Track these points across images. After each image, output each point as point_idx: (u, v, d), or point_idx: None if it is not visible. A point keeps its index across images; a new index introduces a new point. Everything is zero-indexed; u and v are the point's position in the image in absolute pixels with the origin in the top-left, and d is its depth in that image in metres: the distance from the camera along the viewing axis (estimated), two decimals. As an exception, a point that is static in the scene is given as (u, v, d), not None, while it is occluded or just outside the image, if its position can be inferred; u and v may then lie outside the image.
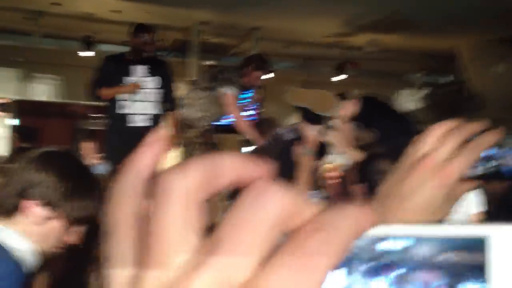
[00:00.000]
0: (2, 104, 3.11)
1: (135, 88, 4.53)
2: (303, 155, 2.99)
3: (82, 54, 5.69)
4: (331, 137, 2.68)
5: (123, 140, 4.57)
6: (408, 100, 7.37)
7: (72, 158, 1.42)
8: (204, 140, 4.44)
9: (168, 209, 0.23)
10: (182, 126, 4.64)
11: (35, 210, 1.26)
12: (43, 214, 1.27)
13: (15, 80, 6.81)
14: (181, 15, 5.09)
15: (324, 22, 5.24)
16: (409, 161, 0.63)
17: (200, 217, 0.23)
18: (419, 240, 0.24)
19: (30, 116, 7.78)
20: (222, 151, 0.24)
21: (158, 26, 5.59)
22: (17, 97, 6.86)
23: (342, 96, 3.08)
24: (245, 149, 4.49)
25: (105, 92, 4.53)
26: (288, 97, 3.69)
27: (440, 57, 6.59)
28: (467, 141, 0.61)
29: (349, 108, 2.51)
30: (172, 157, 5.97)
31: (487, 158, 0.62)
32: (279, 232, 0.22)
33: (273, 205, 0.22)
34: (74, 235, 1.34)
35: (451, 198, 0.62)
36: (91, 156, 6.82)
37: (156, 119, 4.73)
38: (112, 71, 4.60)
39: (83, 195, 1.30)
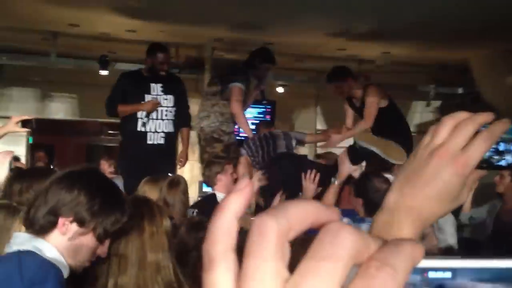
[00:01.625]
0: (28, 121, 3.20)
1: (153, 106, 4.59)
2: (333, 182, 3.20)
3: (101, 73, 5.80)
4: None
5: (138, 158, 4.64)
6: (421, 112, 7.37)
7: (98, 175, 1.52)
8: (229, 155, 4.48)
9: (264, 247, 0.28)
10: (207, 141, 4.69)
11: (68, 227, 1.35)
12: (75, 230, 1.36)
13: (33, 99, 6.94)
14: (194, 33, 5.17)
15: (336, 36, 5.29)
16: (425, 151, 0.64)
17: (287, 255, 0.28)
18: (462, 271, 0.29)
19: (46, 134, 7.90)
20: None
21: (172, 44, 5.70)
22: (35, 116, 6.96)
23: None
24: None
25: (122, 108, 4.61)
26: (357, 137, 4.01)
27: (453, 68, 6.59)
28: (479, 131, 0.63)
29: None
30: (192, 171, 6.01)
31: (499, 149, 0.65)
32: (353, 265, 0.28)
33: (348, 243, 0.27)
34: (103, 249, 1.42)
35: (468, 186, 0.64)
36: (107, 172, 6.92)
37: (171, 137, 4.80)
38: (128, 88, 4.68)
39: (112, 210, 1.40)
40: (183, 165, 4.88)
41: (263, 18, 4.85)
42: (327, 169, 3.81)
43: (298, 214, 0.29)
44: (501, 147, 0.67)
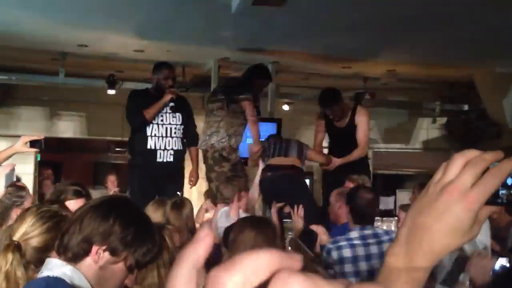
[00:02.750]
0: (37, 141, 3.23)
1: (173, 93, 4.62)
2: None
3: (108, 92, 5.87)
4: None
5: (148, 175, 4.67)
6: (426, 129, 7.38)
7: (131, 204, 1.52)
8: (237, 173, 4.50)
9: None
10: (215, 160, 4.72)
11: (101, 256, 1.36)
12: (107, 259, 1.37)
13: (42, 118, 7.02)
14: (200, 52, 5.23)
15: (341, 55, 5.34)
16: (436, 187, 0.68)
17: None
18: None
19: (54, 151, 7.96)
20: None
21: (179, 63, 5.76)
22: (43, 135, 7.03)
23: None
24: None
25: (147, 112, 4.63)
26: None
27: (458, 85, 6.61)
28: (488, 168, 0.66)
29: None
30: (200, 188, 6.02)
31: (509, 185, 0.68)
32: None
33: None
34: (131, 278, 1.44)
35: (478, 221, 0.67)
36: (113, 189, 6.96)
37: (180, 155, 4.83)
38: (140, 106, 4.74)
39: (144, 240, 1.41)
40: (194, 184, 4.93)
41: (267, 38, 4.91)
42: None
43: (256, 267, 0.29)
44: (510, 181, 0.69)
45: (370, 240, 2.98)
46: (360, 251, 2.96)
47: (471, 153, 0.68)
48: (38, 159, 7.29)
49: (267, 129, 5.80)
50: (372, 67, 5.46)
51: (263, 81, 4.80)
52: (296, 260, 0.30)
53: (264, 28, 4.49)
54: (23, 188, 3.36)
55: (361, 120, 4.89)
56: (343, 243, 2.98)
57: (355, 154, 4.90)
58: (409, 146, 7.39)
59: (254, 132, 4.67)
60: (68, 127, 7.20)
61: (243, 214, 3.67)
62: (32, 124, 6.94)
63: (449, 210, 0.65)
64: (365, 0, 3.67)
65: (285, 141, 4.67)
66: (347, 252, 2.95)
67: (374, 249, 2.96)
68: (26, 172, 6.58)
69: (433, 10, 3.80)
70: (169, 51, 5.21)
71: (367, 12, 3.92)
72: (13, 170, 2.85)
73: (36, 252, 1.63)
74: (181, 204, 3.16)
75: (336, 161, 4.86)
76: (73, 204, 2.14)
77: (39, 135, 3.34)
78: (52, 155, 7.80)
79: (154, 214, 3.05)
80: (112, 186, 6.96)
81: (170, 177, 4.63)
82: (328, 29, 4.45)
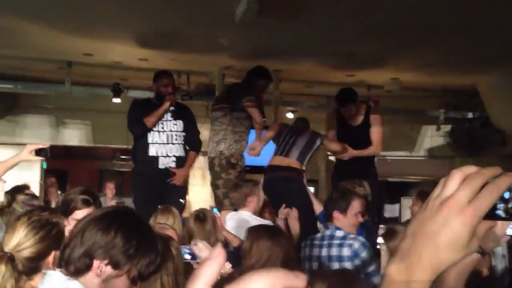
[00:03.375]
0: (42, 149, 3.25)
1: (172, 100, 4.65)
2: None
3: (113, 100, 5.91)
4: None
5: (149, 183, 4.70)
6: (431, 136, 7.37)
7: (133, 216, 1.49)
8: (242, 179, 4.53)
9: None
10: (222, 167, 4.74)
11: (103, 270, 1.35)
12: (110, 273, 1.35)
13: (47, 126, 7.07)
14: (204, 61, 5.27)
15: (345, 62, 5.36)
16: (435, 202, 0.69)
17: None
18: None
19: (60, 159, 8.01)
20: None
21: (183, 72, 5.80)
22: (49, 142, 7.09)
23: None
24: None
25: (147, 120, 4.67)
26: None
27: (462, 93, 6.61)
28: (486, 183, 0.67)
29: None
30: (203, 195, 6.03)
31: (506, 199, 0.69)
32: None
33: None
34: None
35: (477, 236, 0.68)
36: (112, 196, 7.01)
37: (182, 161, 4.85)
38: (140, 114, 4.77)
39: (147, 252, 1.39)
40: (178, 182, 4.75)
41: (271, 47, 4.94)
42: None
43: (261, 286, 0.31)
44: (508, 195, 0.71)
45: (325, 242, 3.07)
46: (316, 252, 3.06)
47: (469, 169, 0.69)
48: (44, 166, 7.33)
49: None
50: (375, 75, 5.48)
51: (263, 82, 4.81)
52: (302, 280, 0.32)
53: (268, 38, 4.52)
54: (36, 197, 3.39)
55: (376, 119, 4.94)
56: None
57: (371, 150, 4.93)
58: (414, 154, 7.38)
59: (259, 128, 4.69)
60: (73, 135, 7.24)
61: (254, 220, 3.66)
62: (37, 132, 6.99)
63: (447, 225, 0.67)
64: (372, 10, 3.69)
65: (295, 135, 4.65)
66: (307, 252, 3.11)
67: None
68: (32, 180, 6.60)
69: (437, 19, 3.82)
70: (173, 59, 5.25)
71: (374, 22, 3.95)
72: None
73: (28, 262, 1.63)
74: (204, 218, 3.15)
75: (352, 152, 4.87)
76: (82, 214, 2.12)
77: (44, 144, 3.36)
78: (58, 162, 7.86)
79: (164, 220, 3.07)
80: (110, 193, 7.00)
81: (173, 184, 4.65)
82: (335, 38, 4.48)
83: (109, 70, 5.83)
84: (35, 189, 6.42)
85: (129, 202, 5.72)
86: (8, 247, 1.62)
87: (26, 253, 1.62)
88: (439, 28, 4.07)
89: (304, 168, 4.68)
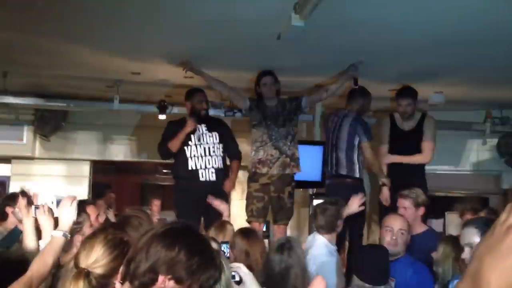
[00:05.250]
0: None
1: (192, 122, 4.87)
2: None
3: (159, 117, 6.08)
4: None
5: (192, 196, 4.80)
6: (477, 150, 7.21)
7: (194, 232, 1.56)
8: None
9: None
10: (248, 179, 4.85)
11: (167, 284, 1.40)
12: (173, 287, 1.41)
13: (95, 142, 7.31)
14: (245, 78, 5.36)
15: (388, 76, 5.35)
16: (502, 228, 0.73)
17: None
18: None
19: (104, 174, 8.25)
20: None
21: (233, 89, 5.88)
22: (96, 158, 7.35)
23: None
24: (316, 202, 4.56)
25: (171, 143, 4.91)
26: None
27: (509, 106, 6.47)
28: None
29: None
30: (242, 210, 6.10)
31: None
32: None
33: None
34: None
35: None
36: (158, 212, 7.14)
37: (221, 173, 4.95)
38: (171, 135, 4.94)
39: (208, 268, 1.45)
40: (228, 188, 4.97)
41: (314, 63, 4.99)
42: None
43: None
44: None
45: None
46: None
47: None
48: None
49: (313, 152, 5.83)
50: (419, 89, 5.42)
51: (262, 78, 4.88)
52: None
53: (311, 53, 4.57)
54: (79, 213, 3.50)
55: (431, 126, 4.86)
56: None
57: (417, 158, 4.83)
58: (459, 168, 7.23)
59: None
60: (119, 151, 7.45)
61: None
62: (86, 148, 7.23)
63: None
64: (417, 25, 3.69)
65: (342, 121, 4.93)
66: None
67: None
68: (80, 194, 6.84)
69: (483, 32, 3.78)
70: (217, 76, 5.36)
71: (419, 37, 3.94)
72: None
73: (101, 278, 1.70)
74: (252, 232, 3.17)
75: (392, 158, 4.81)
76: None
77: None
78: (101, 176, 8.09)
79: (217, 235, 3.13)
80: (156, 210, 7.15)
81: (214, 196, 4.75)
82: (378, 53, 4.48)
83: (155, 88, 6.00)
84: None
85: (171, 216, 5.84)
86: (85, 264, 1.70)
87: (101, 270, 1.69)
88: (484, 42, 4.03)
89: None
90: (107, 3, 3.50)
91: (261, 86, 4.90)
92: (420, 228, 3.97)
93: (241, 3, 3.39)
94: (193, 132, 4.95)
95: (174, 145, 4.92)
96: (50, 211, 2.44)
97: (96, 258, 1.70)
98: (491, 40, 3.97)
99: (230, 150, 5.07)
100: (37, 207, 2.48)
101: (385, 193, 4.72)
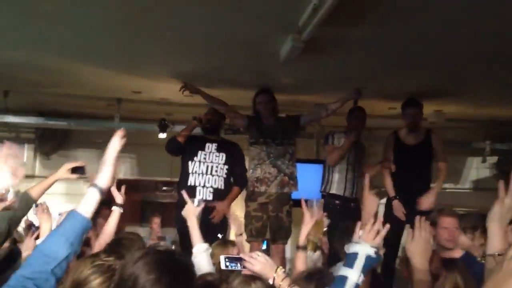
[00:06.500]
0: (79, 167, 3.32)
1: (197, 120, 4.94)
2: None
3: (159, 136, 6.10)
4: None
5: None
6: (477, 168, 7.22)
7: (175, 258, 1.55)
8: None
9: None
10: (246, 198, 4.82)
11: None
12: None
13: (96, 160, 7.28)
14: (249, 96, 5.37)
15: (387, 95, 5.37)
16: (510, 263, 0.78)
17: None
18: None
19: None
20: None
21: (231, 108, 5.90)
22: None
23: None
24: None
25: (178, 136, 4.99)
26: None
27: (509, 124, 6.48)
28: None
29: None
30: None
31: None
32: None
33: None
34: None
35: None
36: (159, 230, 7.12)
37: (220, 194, 4.90)
38: (186, 145, 4.94)
39: None
40: (216, 218, 4.77)
41: (313, 81, 5.02)
42: None
43: None
44: None
45: None
46: None
47: None
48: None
49: (312, 171, 5.82)
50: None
51: (256, 97, 4.90)
52: None
53: (310, 72, 4.60)
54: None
55: (440, 143, 4.79)
56: None
57: (441, 182, 4.73)
58: (459, 186, 7.24)
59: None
60: (119, 169, 7.43)
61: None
62: (86, 166, 7.21)
63: None
64: (416, 44, 3.72)
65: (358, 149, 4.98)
66: None
67: None
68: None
69: (480, 49, 3.81)
70: (218, 96, 5.38)
71: (418, 56, 3.97)
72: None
73: None
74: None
75: (431, 199, 4.62)
76: None
77: (81, 162, 3.39)
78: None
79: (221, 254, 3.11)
80: (156, 228, 7.12)
81: (211, 218, 4.70)
82: (378, 72, 4.51)
83: (156, 106, 6.03)
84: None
85: (172, 233, 5.80)
86: None
87: None
88: (484, 61, 4.06)
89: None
90: (110, 23, 3.52)
91: (257, 104, 4.90)
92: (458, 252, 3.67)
93: (244, 23, 3.42)
94: (202, 148, 4.93)
95: (182, 136, 4.97)
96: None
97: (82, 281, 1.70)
98: (492, 58, 4.00)
99: (237, 177, 5.01)
100: (36, 206, 2.47)
101: (399, 206, 4.70)
